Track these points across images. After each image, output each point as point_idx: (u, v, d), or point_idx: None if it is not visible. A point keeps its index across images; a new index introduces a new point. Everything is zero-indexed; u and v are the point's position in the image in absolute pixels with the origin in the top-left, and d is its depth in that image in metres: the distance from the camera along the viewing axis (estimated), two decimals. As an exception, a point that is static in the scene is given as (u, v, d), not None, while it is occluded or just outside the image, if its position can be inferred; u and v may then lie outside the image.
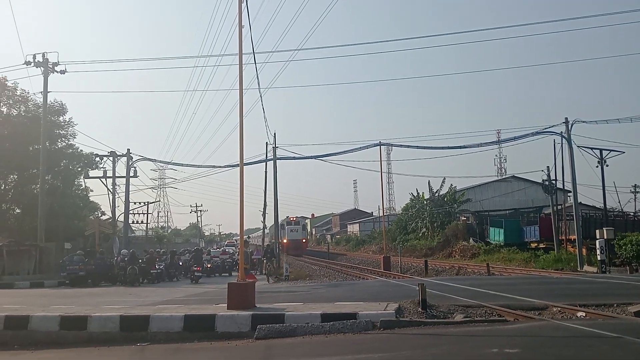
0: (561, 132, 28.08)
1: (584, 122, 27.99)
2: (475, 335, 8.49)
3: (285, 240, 53.40)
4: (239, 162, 13.88)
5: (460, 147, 30.74)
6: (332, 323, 9.70)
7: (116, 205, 35.90)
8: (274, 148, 33.53)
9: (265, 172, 34.29)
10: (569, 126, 27.84)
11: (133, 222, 48.78)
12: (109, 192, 35.03)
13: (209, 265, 28.67)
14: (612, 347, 7.02)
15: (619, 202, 43.61)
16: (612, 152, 29.37)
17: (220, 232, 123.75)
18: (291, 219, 59.75)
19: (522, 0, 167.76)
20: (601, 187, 29.78)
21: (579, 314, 10.08)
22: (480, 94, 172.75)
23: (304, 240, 60.40)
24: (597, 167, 29.33)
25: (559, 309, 10.65)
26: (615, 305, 10.66)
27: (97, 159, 36.61)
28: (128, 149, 35.13)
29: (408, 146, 31.75)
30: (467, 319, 9.89)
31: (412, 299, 11.45)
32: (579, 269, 25.40)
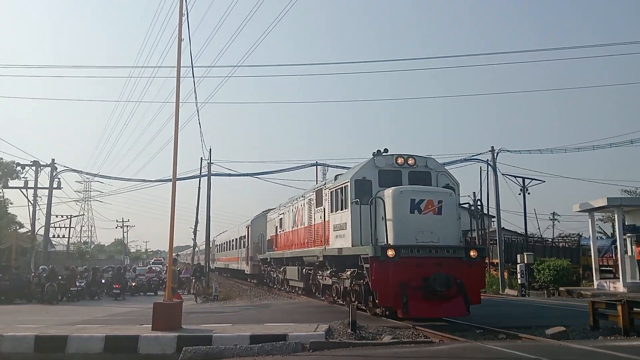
0: (487, 159, 29.44)
1: (508, 151, 29.61)
2: (402, 357, 8.63)
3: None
4: (171, 177, 13.53)
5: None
6: (261, 345, 9.56)
7: (36, 218, 33.95)
8: (209, 164, 32.99)
9: (199, 188, 33.57)
10: (495, 154, 29.28)
11: (54, 236, 46.54)
12: (30, 204, 33.14)
13: (133, 284, 27.57)
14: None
15: (539, 228, 46.04)
16: (533, 180, 31.13)
17: (147, 249, 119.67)
18: None
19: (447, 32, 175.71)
20: (523, 214, 31.37)
21: (500, 336, 10.50)
22: (412, 119, 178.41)
23: None
24: (519, 194, 30.95)
25: (482, 330, 11.05)
26: (533, 327, 11.15)
27: (18, 168, 34.70)
28: (53, 159, 33.50)
29: (343, 167, 32.17)
30: (394, 340, 10.04)
31: (342, 321, 11.52)
32: (500, 292, 26.43)
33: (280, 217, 23.66)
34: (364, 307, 13.56)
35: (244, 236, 34.21)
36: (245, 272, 33.56)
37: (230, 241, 42.36)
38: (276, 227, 24.30)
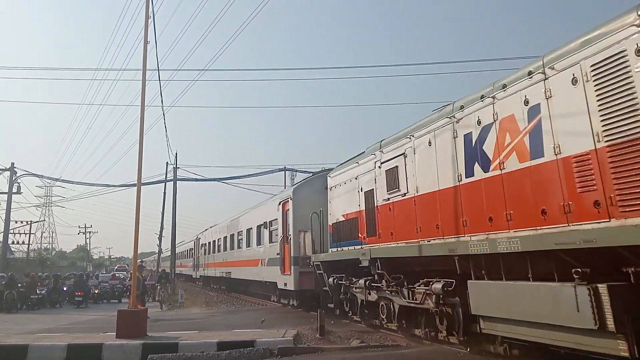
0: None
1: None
2: (370, 361, 8.67)
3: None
4: (136, 182, 13.30)
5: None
6: (228, 351, 9.48)
7: (-5, 224, 32.88)
8: (175, 168, 32.62)
9: (164, 193, 33.14)
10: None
11: (13, 243, 45.10)
12: (-13, 209, 32.09)
13: (96, 291, 26.99)
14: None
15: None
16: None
17: (110, 256, 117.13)
18: None
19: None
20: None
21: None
22: (384, 122, 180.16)
23: None
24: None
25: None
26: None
27: (-24, 172, 33.57)
28: (12, 163, 32.65)
29: (312, 173, 32.22)
30: (362, 344, 10.08)
31: (310, 325, 11.52)
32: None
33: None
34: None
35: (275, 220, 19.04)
36: (281, 285, 17.78)
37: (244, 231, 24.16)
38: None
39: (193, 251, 43.24)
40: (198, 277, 41.13)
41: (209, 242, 34.63)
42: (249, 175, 32.77)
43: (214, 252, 32.49)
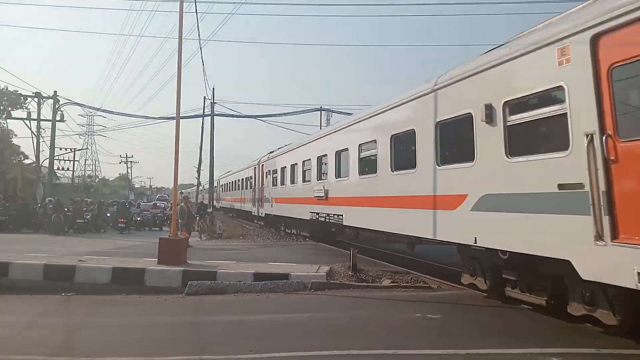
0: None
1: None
2: (400, 300, 8.87)
3: None
4: (175, 115, 13.53)
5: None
6: (264, 282, 9.84)
7: (40, 150, 34.12)
8: (212, 103, 32.73)
9: (202, 127, 33.48)
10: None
11: (58, 169, 46.77)
12: (33, 135, 33.23)
13: (138, 219, 28.05)
14: (527, 317, 7.51)
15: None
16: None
17: (151, 186, 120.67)
18: None
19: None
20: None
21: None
22: (422, 62, 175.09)
23: None
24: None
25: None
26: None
27: (21, 99, 34.52)
28: (55, 91, 33.35)
29: (348, 113, 32.00)
30: (394, 284, 10.30)
31: (343, 263, 11.78)
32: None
33: None
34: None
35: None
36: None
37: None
38: None
39: (253, 181, 32.03)
40: (261, 215, 28.50)
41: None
42: (285, 114, 32.83)
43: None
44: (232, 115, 33.89)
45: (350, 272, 10.94)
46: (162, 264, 11.47)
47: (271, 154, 25.59)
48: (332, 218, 15.25)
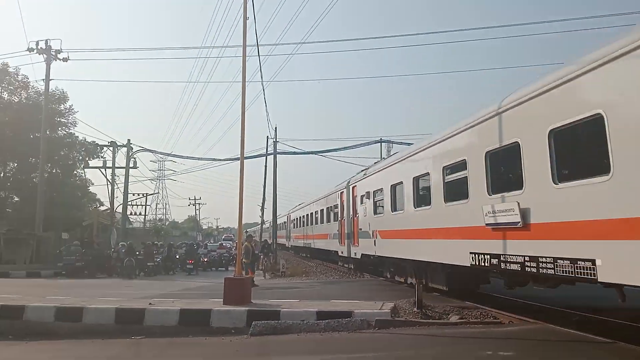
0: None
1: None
2: (469, 337, 8.50)
3: None
4: (239, 156, 13.91)
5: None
6: (327, 321, 9.70)
7: (115, 196, 35.94)
8: (275, 142, 33.48)
9: (265, 166, 34.28)
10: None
11: (131, 214, 48.88)
12: (108, 183, 35.09)
13: (205, 260, 28.70)
14: (607, 352, 7.03)
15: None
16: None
17: (218, 226, 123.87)
18: None
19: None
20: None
21: (574, 317, 10.07)
22: (468, 93, 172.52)
23: None
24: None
25: (556, 312, 10.63)
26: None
27: (98, 148, 36.69)
28: (128, 140, 35.31)
29: (408, 144, 31.74)
30: (462, 320, 9.89)
31: (407, 299, 11.47)
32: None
33: None
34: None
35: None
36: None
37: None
38: None
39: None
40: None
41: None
42: (345, 148, 33.01)
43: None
44: (294, 153, 34.53)
45: (415, 309, 10.61)
46: (227, 304, 11.58)
47: (368, 170, 19.44)
48: (547, 265, 7.77)
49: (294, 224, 42.60)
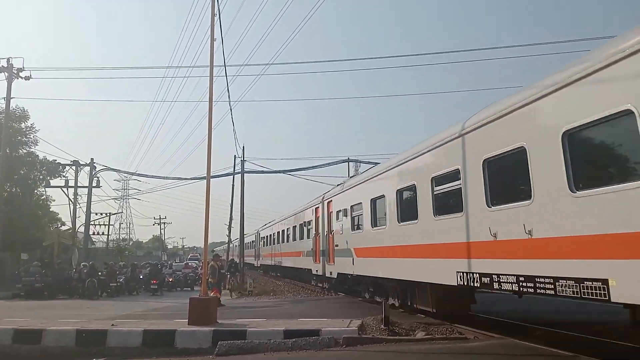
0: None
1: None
2: (435, 353, 8.56)
3: None
4: (205, 175, 13.82)
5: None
6: (294, 340, 9.65)
7: (77, 216, 35.08)
8: (242, 161, 33.42)
9: (233, 185, 34.11)
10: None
11: (94, 234, 47.81)
12: (70, 202, 34.28)
13: (170, 279, 28.18)
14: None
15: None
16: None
17: (183, 245, 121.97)
18: None
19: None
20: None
21: (537, 332, 10.27)
22: (442, 113, 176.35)
23: None
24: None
25: (520, 327, 10.84)
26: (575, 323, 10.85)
27: (60, 167, 35.87)
28: (92, 159, 34.68)
29: (375, 163, 32.10)
30: (428, 336, 9.96)
31: (375, 316, 11.50)
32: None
33: None
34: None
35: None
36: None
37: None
38: None
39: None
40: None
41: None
42: (313, 167, 33.27)
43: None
44: (262, 172, 34.53)
45: (382, 326, 10.65)
46: (192, 324, 11.40)
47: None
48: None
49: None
